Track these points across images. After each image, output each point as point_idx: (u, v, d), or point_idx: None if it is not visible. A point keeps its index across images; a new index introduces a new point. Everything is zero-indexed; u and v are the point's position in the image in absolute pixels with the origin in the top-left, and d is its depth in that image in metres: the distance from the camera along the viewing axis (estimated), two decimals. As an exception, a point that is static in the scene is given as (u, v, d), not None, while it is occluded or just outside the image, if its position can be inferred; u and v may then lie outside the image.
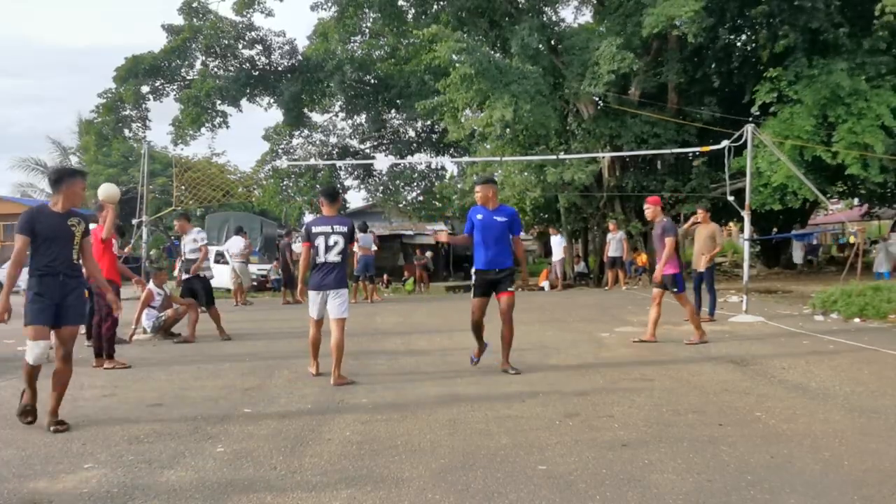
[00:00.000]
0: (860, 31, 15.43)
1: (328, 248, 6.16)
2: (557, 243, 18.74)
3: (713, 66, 18.82)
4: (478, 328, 6.61)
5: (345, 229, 6.24)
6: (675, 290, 8.06)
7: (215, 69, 22.53)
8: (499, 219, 6.44)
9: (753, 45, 17.93)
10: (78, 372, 6.92)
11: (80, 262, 4.88)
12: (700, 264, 10.23)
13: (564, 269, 19.36)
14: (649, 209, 8.43)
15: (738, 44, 19.14)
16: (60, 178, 4.80)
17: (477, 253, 6.46)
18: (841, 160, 14.49)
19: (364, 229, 15.17)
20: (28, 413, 4.75)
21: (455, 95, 16.70)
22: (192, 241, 9.76)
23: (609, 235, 17.31)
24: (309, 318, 6.37)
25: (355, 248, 15.01)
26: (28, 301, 4.65)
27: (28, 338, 4.67)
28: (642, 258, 18.53)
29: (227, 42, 21.92)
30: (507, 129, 17.00)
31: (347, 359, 7.38)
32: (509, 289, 6.42)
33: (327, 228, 6.19)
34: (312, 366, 6.48)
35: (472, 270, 6.46)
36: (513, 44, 17.17)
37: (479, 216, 6.45)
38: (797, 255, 22.42)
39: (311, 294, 6.28)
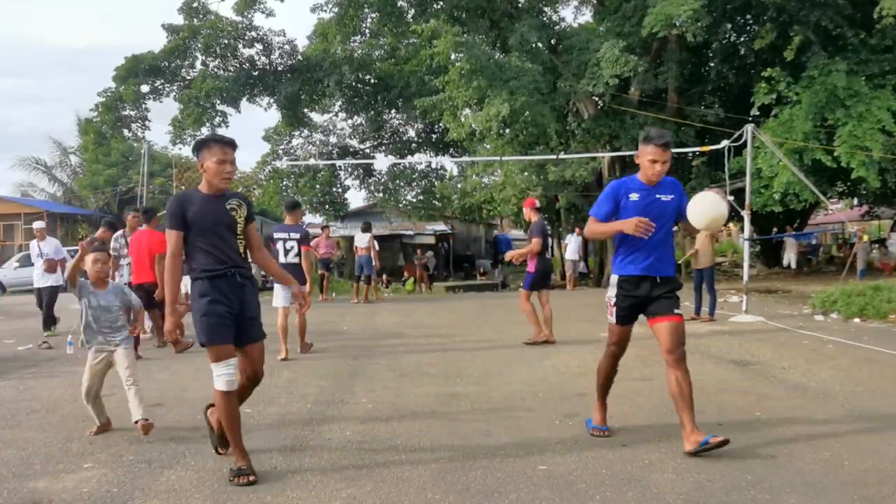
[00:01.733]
0: (863, 28, 15.42)
1: (286, 252, 7.44)
2: (575, 242, 18.39)
3: (715, 65, 18.82)
4: (611, 370, 4.40)
5: (298, 235, 7.53)
6: (521, 285, 8.47)
7: (215, 69, 22.53)
8: (665, 198, 4.02)
9: (754, 42, 17.89)
10: (79, 372, 6.92)
11: (248, 256, 3.88)
12: (697, 236, 10.22)
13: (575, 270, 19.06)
14: (525, 210, 8.76)
15: (742, 41, 19.11)
16: (196, 148, 3.79)
17: (624, 251, 4.12)
18: (846, 163, 14.46)
19: (367, 229, 15.20)
20: (248, 472, 3.58)
21: (455, 93, 16.70)
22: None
23: None
24: (277, 308, 7.49)
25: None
26: (200, 313, 3.60)
27: (211, 361, 3.64)
28: None
29: (226, 42, 21.92)
30: (507, 129, 16.99)
31: (347, 359, 7.43)
32: (676, 311, 4.03)
33: (285, 235, 7.49)
34: (283, 352, 7.34)
35: (613, 279, 4.24)
36: (512, 40, 17.17)
37: (634, 196, 3.99)
38: (790, 256, 21.13)
39: (278, 287, 7.44)
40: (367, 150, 27.53)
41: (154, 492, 3.46)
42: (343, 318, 11.50)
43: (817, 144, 14.65)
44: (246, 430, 4.59)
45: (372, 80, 24.31)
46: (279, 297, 7.39)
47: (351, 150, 27.38)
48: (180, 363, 7.34)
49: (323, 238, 16.08)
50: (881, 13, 13.57)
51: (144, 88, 21.71)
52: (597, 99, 18.26)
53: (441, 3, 20.55)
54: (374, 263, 14.97)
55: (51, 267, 9.52)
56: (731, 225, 30.46)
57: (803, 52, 15.40)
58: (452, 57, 16.46)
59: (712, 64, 19.13)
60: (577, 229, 18.54)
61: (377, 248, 15.75)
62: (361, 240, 14.94)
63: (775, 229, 22.71)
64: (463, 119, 18.51)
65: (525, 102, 15.40)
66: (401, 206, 27.40)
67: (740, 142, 11.47)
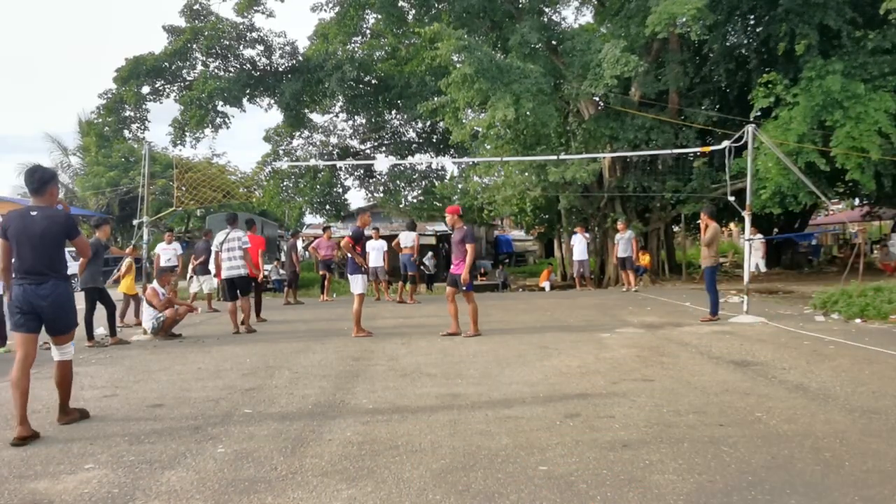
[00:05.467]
0: (864, 29, 15.38)
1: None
2: (581, 242, 17.91)
3: (716, 66, 18.80)
4: None
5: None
6: (465, 288, 8.90)
7: (216, 70, 22.54)
8: None
9: (758, 44, 17.85)
10: (80, 372, 6.92)
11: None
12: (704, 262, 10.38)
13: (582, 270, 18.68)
14: (448, 217, 9.13)
15: (744, 42, 19.09)
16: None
17: None
18: (840, 165, 14.46)
19: (412, 227, 15.58)
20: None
21: (456, 95, 16.69)
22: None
23: (617, 236, 16.85)
24: (356, 294, 9.12)
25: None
26: None
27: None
28: (645, 258, 18.49)
29: (227, 43, 21.94)
30: (509, 129, 16.97)
31: (348, 359, 7.43)
32: None
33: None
34: (355, 331, 9.14)
35: None
36: (512, 40, 17.16)
37: None
38: (756, 260, 19.04)
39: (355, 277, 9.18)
40: (368, 151, 27.56)
41: (155, 493, 3.46)
42: (344, 319, 11.50)
43: (813, 146, 14.62)
44: (247, 430, 4.60)
45: (372, 81, 24.34)
46: (356, 284, 9.07)
47: (351, 150, 27.40)
48: (182, 363, 7.35)
49: (324, 239, 16.04)
50: (888, 7, 13.50)
51: (145, 90, 21.73)
52: (598, 99, 18.22)
53: (444, 4, 20.54)
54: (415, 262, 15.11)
55: None
56: (731, 225, 30.47)
57: (798, 55, 15.40)
58: (455, 58, 16.43)
59: (713, 65, 19.10)
60: (578, 228, 18.44)
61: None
62: (407, 238, 14.81)
63: (776, 230, 22.71)
64: (465, 121, 18.49)
65: (529, 106, 15.37)
66: (401, 206, 27.41)
67: (741, 142, 11.46)
